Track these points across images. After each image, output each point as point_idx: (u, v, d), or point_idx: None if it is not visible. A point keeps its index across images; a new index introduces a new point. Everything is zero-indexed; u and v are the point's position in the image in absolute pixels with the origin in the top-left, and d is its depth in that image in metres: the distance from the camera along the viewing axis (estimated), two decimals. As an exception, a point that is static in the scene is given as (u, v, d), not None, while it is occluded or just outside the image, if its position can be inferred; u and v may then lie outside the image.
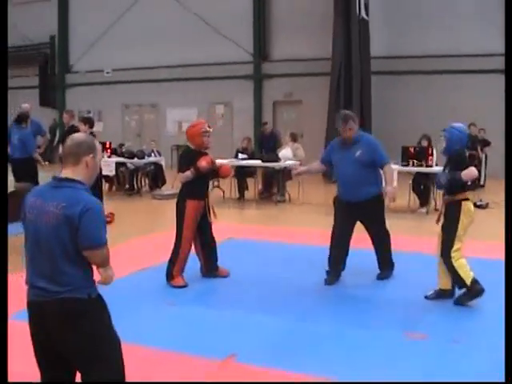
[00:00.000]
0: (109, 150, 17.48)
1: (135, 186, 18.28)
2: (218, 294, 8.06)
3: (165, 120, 28.08)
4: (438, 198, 14.53)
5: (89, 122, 12.92)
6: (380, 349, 6.00)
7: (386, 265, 8.59)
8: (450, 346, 6.06)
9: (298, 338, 6.33)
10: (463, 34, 22.56)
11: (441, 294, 7.45)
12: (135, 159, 17.88)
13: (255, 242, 10.99)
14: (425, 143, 14.76)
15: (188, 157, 8.25)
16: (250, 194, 17.00)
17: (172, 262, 8.20)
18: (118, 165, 17.73)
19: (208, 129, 8.26)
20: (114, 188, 18.43)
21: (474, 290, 7.11)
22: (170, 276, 8.16)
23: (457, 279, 7.14)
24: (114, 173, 17.23)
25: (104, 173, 14.97)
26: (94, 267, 3.92)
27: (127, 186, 18.00)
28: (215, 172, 8.60)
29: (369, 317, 7.01)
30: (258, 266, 9.25)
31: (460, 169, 7.03)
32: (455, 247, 7.11)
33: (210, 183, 10.08)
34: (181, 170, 8.25)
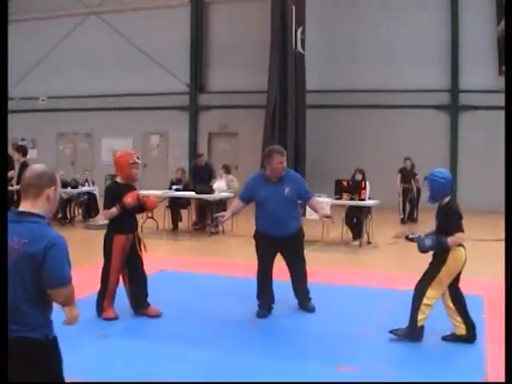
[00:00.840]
0: (42, 179, 17.17)
1: (68, 216, 18.08)
2: (149, 327, 7.91)
3: (99, 149, 27.84)
4: (370, 231, 14.71)
5: (22, 151, 12.80)
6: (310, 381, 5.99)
7: (307, 296, 8.60)
8: (382, 378, 6.05)
9: (231, 372, 6.27)
10: (399, 71, 23.05)
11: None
12: (68, 188, 17.69)
13: (188, 273, 10.92)
14: (359, 177, 14.79)
15: (114, 192, 7.99)
16: (183, 225, 16.92)
17: (101, 294, 8.02)
18: (51, 194, 17.38)
19: (137, 160, 8.04)
20: (46, 217, 18.09)
21: (415, 335, 7.10)
22: (100, 309, 7.99)
23: (412, 315, 7.09)
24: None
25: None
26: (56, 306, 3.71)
27: (60, 215, 17.74)
28: (142, 206, 8.31)
29: (300, 349, 7.00)
30: (191, 298, 9.19)
31: (449, 221, 6.96)
32: (433, 292, 6.96)
33: (144, 215, 9.90)
34: (106, 205, 8.02)
